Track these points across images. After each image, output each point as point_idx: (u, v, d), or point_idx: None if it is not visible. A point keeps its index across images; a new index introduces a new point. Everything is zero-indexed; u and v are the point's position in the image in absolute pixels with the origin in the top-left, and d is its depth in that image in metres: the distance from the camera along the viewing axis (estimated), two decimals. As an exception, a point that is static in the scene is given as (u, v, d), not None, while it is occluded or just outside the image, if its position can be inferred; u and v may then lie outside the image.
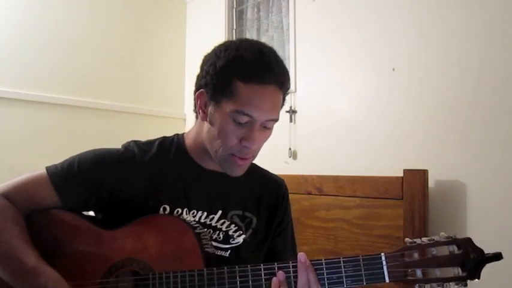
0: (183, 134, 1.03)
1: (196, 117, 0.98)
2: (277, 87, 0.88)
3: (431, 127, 1.84)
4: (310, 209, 2.06)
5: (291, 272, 0.83)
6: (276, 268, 0.83)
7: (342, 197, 1.97)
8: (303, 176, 2.11)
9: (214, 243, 0.95)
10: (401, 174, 1.76)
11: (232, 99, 0.85)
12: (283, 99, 0.93)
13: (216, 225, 0.96)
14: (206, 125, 0.93)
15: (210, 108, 0.90)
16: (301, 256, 0.83)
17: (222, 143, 0.89)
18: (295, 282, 0.82)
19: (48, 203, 0.92)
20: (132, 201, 0.92)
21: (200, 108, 0.93)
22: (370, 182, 1.88)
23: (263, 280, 0.82)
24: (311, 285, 0.81)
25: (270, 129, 0.92)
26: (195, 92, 0.94)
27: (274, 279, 0.82)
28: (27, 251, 0.83)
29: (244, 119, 0.86)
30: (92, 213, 0.99)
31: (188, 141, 1.00)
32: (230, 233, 0.97)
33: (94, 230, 0.91)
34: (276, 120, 0.91)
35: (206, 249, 0.88)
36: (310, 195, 2.08)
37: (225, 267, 0.83)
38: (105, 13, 2.74)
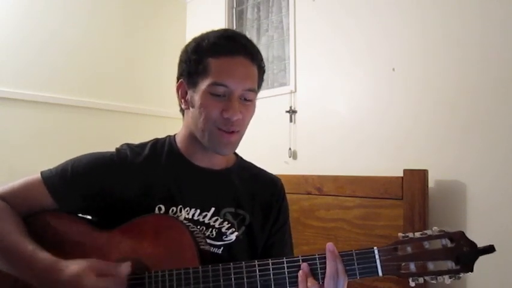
0: (175, 134, 1.04)
1: (183, 114, 1.01)
2: (247, 58, 0.92)
3: (431, 127, 1.84)
4: (310, 209, 2.06)
5: (318, 263, 0.81)
6: (271, 264, 0.83)
7: (342, 197, 1.96)
8: (303, 176, 2.11)
9: (208, 241, 0.94)
10: (401, 174, 1.76)
11: (206, 75, 0.90)
12: (260, 77, 0.96)
13: (209, 223, 0.96)
14: (190, 111, 0.96)
15: (190, 94, 0.95)
16: (329, 245, 0.82)
17: (204, 117, 0.91)
18: (323, 273, 0.80)
19: (45, 205, 0.93)
20: (127, 202, 0.92)
21: (182, 98, 0.97)
22: (370, 182, 1.87)
23: (257, 277, 0.82)
24: (340, 275, 0.80)
25: (251, 102, 0.94)
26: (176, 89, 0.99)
27: (300, 272, 0.80)
28: (25, 240, 0.84)
29: (220, 89, 0.89)
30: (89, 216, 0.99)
31: (179, 140, 1.02)
32: (223, 230, 0.97)
33: (90, 230, 0.92)
34: (253, 90, 0.93)
35: (202, 246, 0.88)
36: (310, 195, 2.07)
37: (220, 265, 0.83)
38: (105, 13, 2.74)
